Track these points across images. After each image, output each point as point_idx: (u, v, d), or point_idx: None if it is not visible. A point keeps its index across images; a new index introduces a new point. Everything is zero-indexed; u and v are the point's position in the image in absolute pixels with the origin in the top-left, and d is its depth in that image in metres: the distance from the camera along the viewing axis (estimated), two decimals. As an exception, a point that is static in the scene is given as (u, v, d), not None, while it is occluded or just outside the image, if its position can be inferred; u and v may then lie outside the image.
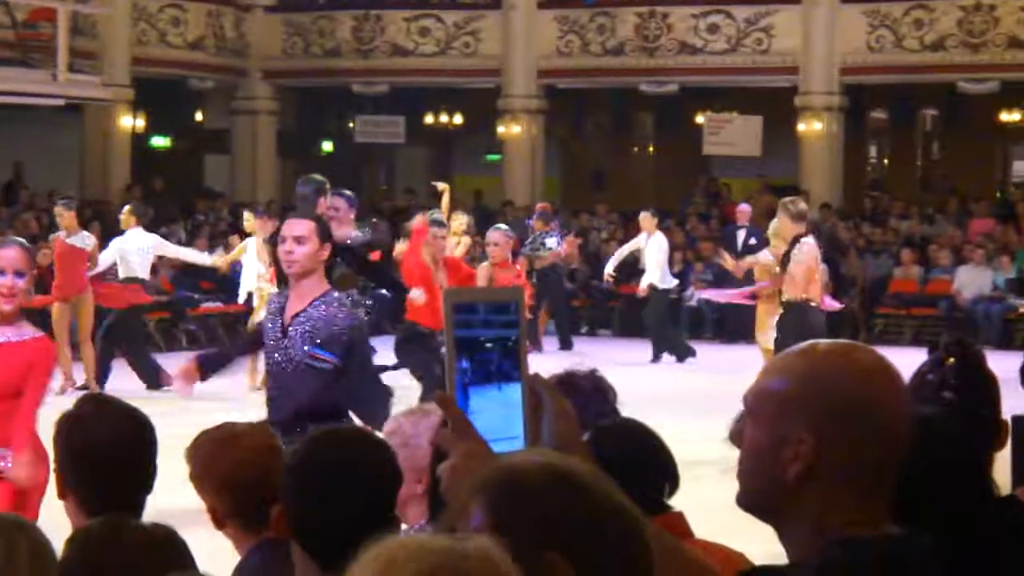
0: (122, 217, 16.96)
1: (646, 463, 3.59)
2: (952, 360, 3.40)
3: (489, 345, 2.05)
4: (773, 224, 14.51)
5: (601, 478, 1.91)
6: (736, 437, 2.24)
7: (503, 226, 14.75)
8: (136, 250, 16.50)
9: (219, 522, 3.76)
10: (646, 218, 20.33)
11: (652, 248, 20.23)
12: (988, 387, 3.46)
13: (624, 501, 1.89)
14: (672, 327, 21.45)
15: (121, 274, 16.54)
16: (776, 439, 2.17)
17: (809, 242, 12.46)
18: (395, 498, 3.21)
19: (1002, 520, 2.97)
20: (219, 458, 3.74)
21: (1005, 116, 27.97)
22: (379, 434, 3.74)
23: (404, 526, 3.54)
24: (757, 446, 2.20)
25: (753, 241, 21.07)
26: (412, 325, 12.83)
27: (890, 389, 2.20)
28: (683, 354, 20.37)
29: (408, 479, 3.46)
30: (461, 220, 18.09)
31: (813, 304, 12.34)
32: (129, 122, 26.17)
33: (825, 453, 2.15)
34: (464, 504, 1.88)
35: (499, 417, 2.07)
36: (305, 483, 3.12)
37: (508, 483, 1.86)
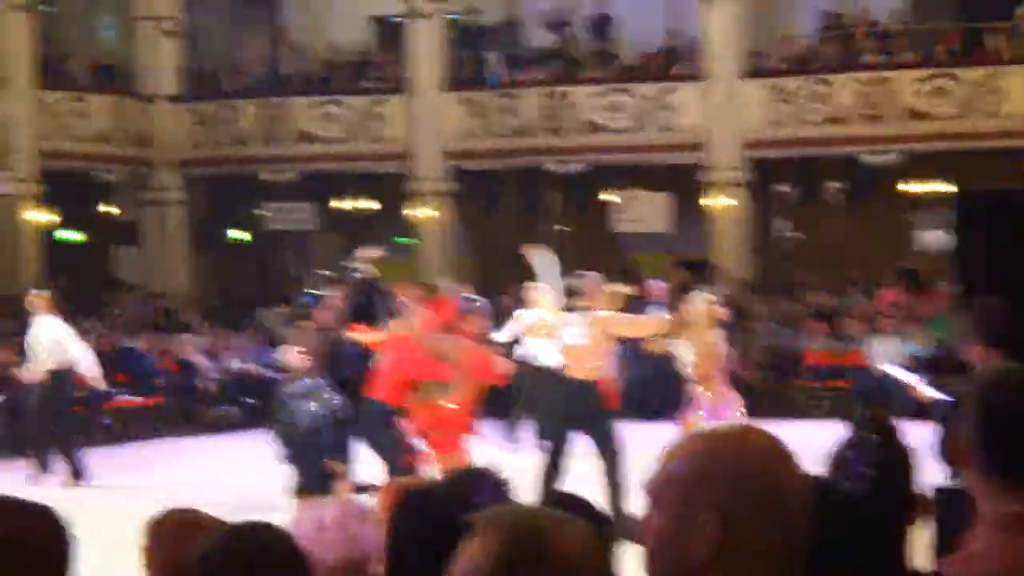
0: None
1: None
2: (871, 437, 3.44)
3: None
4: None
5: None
6: (639, 529, 2.24)
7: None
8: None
9: None
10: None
11: None
12: (905, 462, 3.51)
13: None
14: None
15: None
16: (681, 523, 2.18)
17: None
18: None
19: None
20: (179, 540, 3.70)
21: (908, 187, 28.32)
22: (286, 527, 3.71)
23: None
24: (662, 532, 2.20)
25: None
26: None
27: (786, 468, 2.21)
28: None
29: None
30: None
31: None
32: (37, 216, 25.95)
33: (729, 534, 2.15)
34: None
35: None
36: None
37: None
